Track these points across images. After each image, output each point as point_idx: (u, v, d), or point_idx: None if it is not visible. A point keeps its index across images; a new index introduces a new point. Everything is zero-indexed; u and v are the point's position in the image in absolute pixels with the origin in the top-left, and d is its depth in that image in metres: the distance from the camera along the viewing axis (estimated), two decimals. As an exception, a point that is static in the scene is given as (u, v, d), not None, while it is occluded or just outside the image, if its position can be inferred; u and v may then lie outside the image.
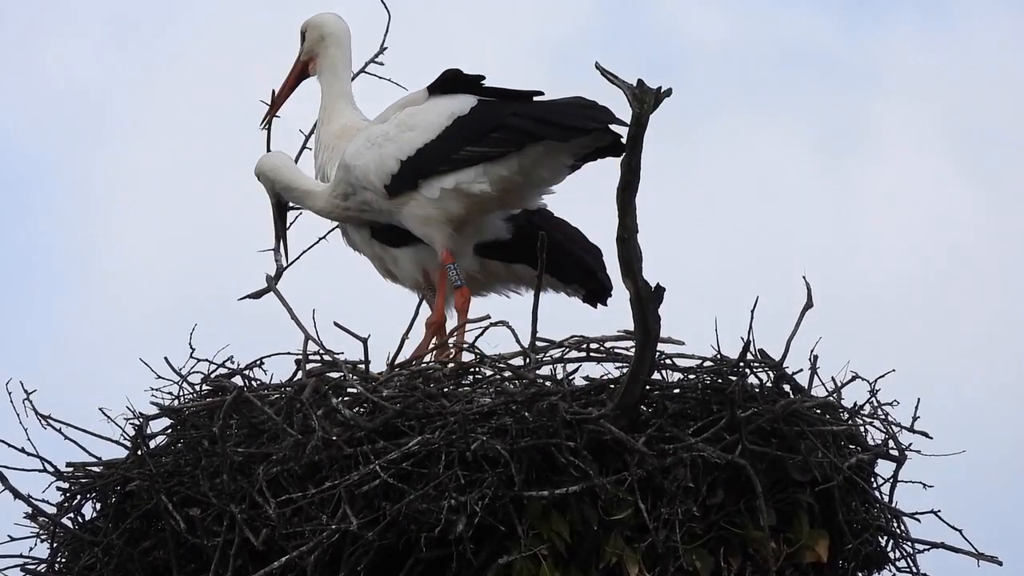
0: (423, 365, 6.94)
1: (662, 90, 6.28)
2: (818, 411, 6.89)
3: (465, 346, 6.90)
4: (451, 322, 7.42)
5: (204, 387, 6.96)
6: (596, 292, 7.71)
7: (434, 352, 7.20)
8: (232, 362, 6.99)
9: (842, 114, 14.91)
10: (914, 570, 7.04)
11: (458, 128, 7.21)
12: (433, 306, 7.53)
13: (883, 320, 12.16)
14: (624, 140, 7.04)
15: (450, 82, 7.30)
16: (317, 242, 7.81)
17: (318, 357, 6.92)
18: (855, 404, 6.98)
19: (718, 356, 6.86)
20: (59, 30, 14.84)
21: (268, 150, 7.81)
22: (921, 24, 15.77)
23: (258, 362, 6.99)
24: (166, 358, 6.94)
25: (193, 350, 6.97)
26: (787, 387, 6.90)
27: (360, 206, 7.36)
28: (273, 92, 7.87)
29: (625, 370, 6.72)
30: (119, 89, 14.54)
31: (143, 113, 14.36)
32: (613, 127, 7.07)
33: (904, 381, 6.99)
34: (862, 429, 6.99)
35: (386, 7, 8.12)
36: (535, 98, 7.24)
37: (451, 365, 6.88)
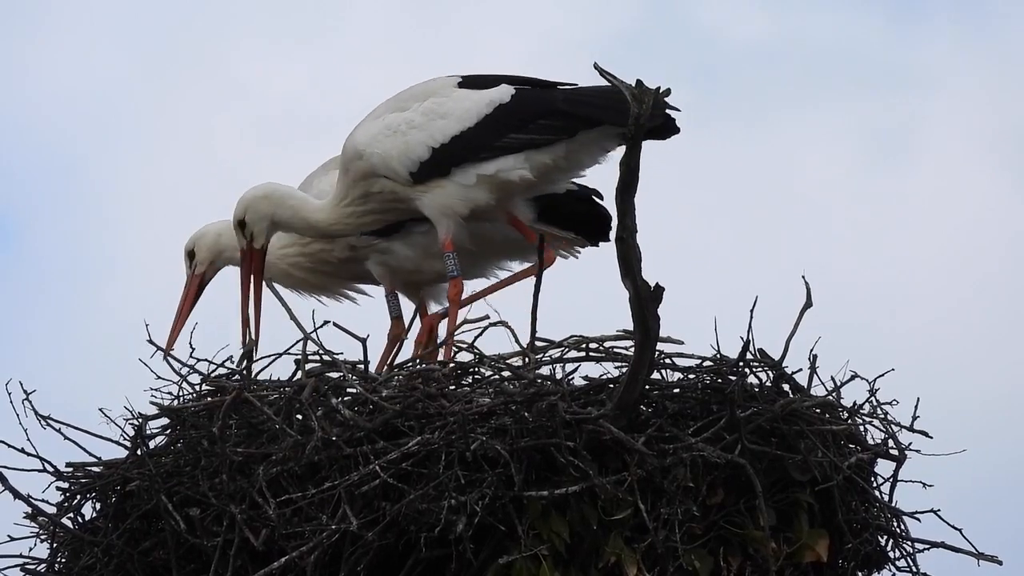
0: (422, 365, 6.94)
1: (661, 90, 6.28)
2: (818, 410, 6.89)
3: (464, 346, 6.90)
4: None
5: (204, 387, 6.96)
6: (597, 225, 7.63)
7: (428, 348, 7.20)
8: (231, 362, 7.00)
9: (884, 116, 14.89)
10: (914, 570, 7.04)
11: (501, 115, 7.19)
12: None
13: (883, 319, 12.16)
14: (676, 123, 7.17)
15: (478, 78, 7.31)
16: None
17: (317, 357, 6.91)
18: (855, 403, 6.98)
19: (717, 356, 6.85)
20: (80, 32, 14.84)
21: None
22: (965, 23, 15.71)
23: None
24: (166, 358, 6.94)
25: (193, 349, 7.00)
26: (787, 387, 6.90)
27: (384, 205, 7.28)
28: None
29: (624, 370, 6.72)
30: (121, 93, 14.53)
31: (145, 118, 14.36)
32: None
33: (904, 380, 7.00)
34: (862, 428, 6.99)
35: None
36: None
37: (451, 365, 6.87)
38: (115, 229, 13.90)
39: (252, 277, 7.38)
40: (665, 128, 7.22)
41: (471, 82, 7.30)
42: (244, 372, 6.89)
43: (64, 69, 14.74)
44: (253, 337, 7.29)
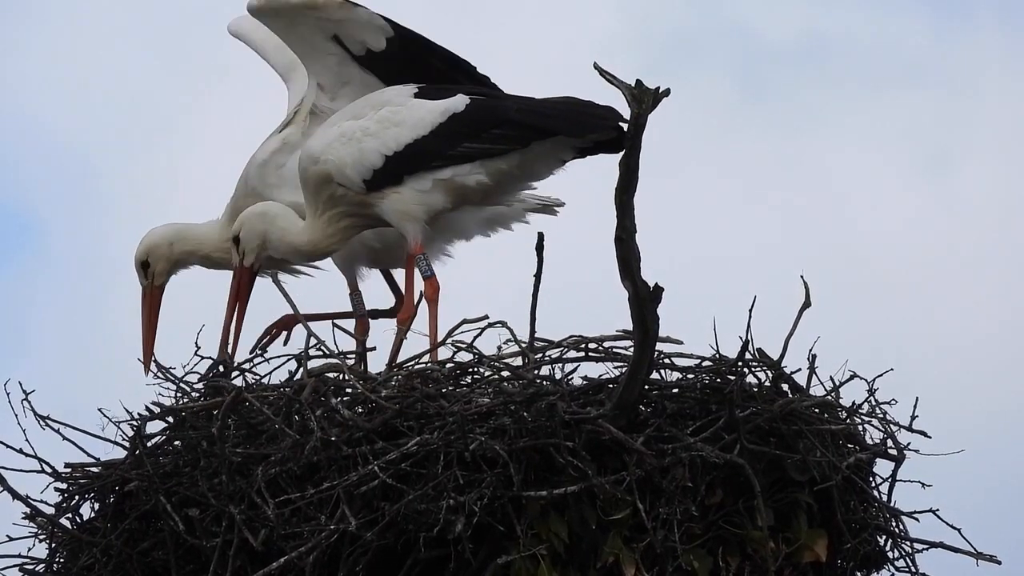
0: (421, 365, 6.94)
1: (660, 90, 6.28)
2: (816, 410, 6.89)
3: (463, 346, 6.90)
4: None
5: (202, 388, 6.96)
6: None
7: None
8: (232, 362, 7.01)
9: (920, 118, 14.86)
10: (913, 569, 7.04)
11: (454, 124, 7.22)
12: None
13: (881, 319, 12.16)
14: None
15: (435, 89, 7.35)
16: None
17: (320, 354, 6.92)
18: (853, 403, 6.98)
19: (716, 356, 6.85)
20: (100, 31, 14.82)
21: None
22: (1011, 23, 15.62)
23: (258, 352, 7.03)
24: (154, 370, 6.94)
25: (199, 348, 7.02)
26: (785, 386, 6.90)
27: (352, 209, 7.29)
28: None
29: (624, 370, 6.72)
30: (143, 94, 14.49)
31: (165, 120, 14.33)
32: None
33: (902, 380, 7.00)
34: (860, 428, 6.99)
35: None
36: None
37: (449, 365, 6.88)
38: (116, 230, 13.89)
39: (239, 294, 7.41)
40: (618, 142, 7.22)
41: (427, 92, 7.34)
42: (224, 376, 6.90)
43: (85, 70, 14.74)
44: (230, 352, 7.29)
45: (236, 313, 7.40)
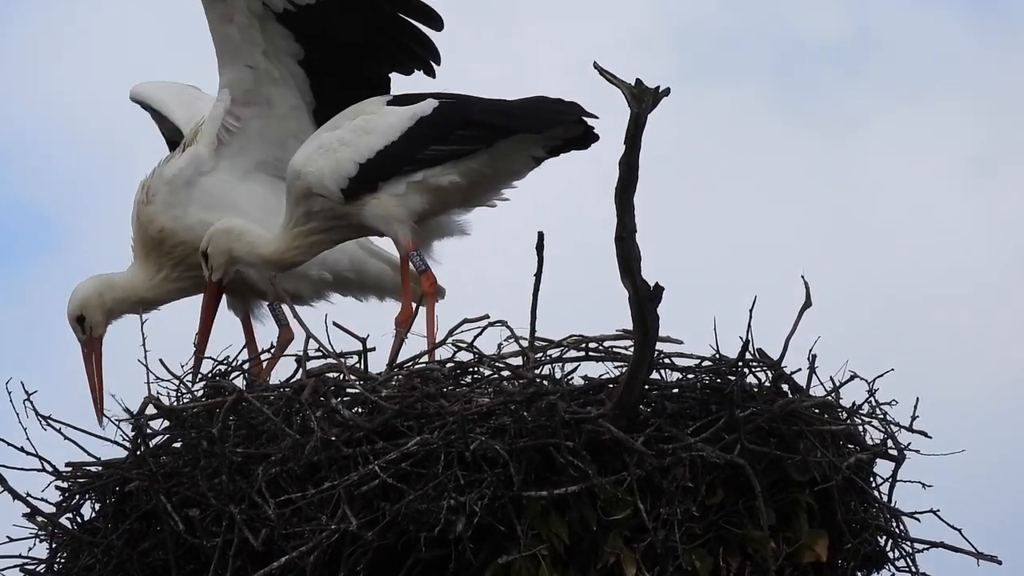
0: (421, 365, 6.94)
1: (660, 90, 6.28)
2: (817, 411, 6.88)
3: (463, 346, 6.90)
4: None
5: (203, 388, 6.96)
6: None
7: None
8: (231, 362, 7.02)
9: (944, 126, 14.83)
10: (913, 569, 7.04)
11: (422, 128, 7.26)
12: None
13: (882, 319, 12.16)
14: (595, 131, 7.21)
15: (408, 96, 7.41)
16: None
17: (320, 354, 6.93)
18: (854, 403, 6.97)
19: (717, 356, 6.85)
20: (122, 27, 14.81)
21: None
22: None
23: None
24: (161, 360, 6.96)
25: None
26: (786, 387, 6.90)
27: (327, 224, 7.32)
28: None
29: (624, 369, 6.72)
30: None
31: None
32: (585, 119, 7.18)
33: (903, 380, 7.00)
34: (861, 429, 6.99)
35: None
36: None
37: (449, 365, 6.88)
38: (118, 231, 13.87)
39: (210, 308, 7.48)
40: (585, 138, 7.27)
41: (400, 100, 7.40)
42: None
43: (109, 65, 14.73)
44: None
45: (204, 323, 7.45)
